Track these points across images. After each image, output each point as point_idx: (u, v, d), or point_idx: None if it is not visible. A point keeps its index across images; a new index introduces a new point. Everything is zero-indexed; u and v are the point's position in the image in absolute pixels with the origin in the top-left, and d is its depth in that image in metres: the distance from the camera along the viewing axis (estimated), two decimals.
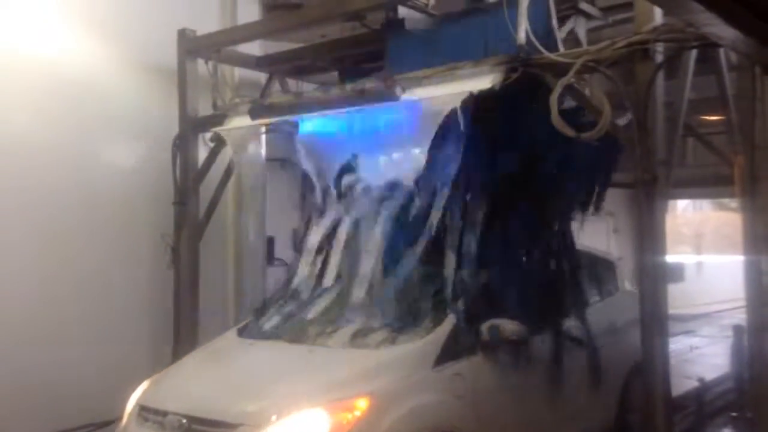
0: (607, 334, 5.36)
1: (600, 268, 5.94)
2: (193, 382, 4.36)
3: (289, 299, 5.04)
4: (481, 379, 4.23)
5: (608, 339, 5.35)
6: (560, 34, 4.71)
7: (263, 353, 4.53)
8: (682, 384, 6.18)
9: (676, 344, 8.87)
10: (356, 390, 3.74)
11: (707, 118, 6.69)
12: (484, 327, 4.23)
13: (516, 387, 4.49)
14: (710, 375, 6.92)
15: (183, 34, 6.28)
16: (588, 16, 5.30)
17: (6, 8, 5.51)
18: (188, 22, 6.34)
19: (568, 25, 5.00)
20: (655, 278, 4.24)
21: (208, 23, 6.63)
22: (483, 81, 4.47)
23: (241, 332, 4.88)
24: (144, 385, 4.39)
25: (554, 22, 4.66)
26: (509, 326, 4.26)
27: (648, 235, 4.24)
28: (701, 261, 16.37)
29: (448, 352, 4.11)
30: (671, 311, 4.33)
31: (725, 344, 8.00)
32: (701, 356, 9.45)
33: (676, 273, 13.05)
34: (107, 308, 5.99)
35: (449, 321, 4.23)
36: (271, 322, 4.82)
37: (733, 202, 12.07)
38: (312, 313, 4.71)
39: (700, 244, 17.27)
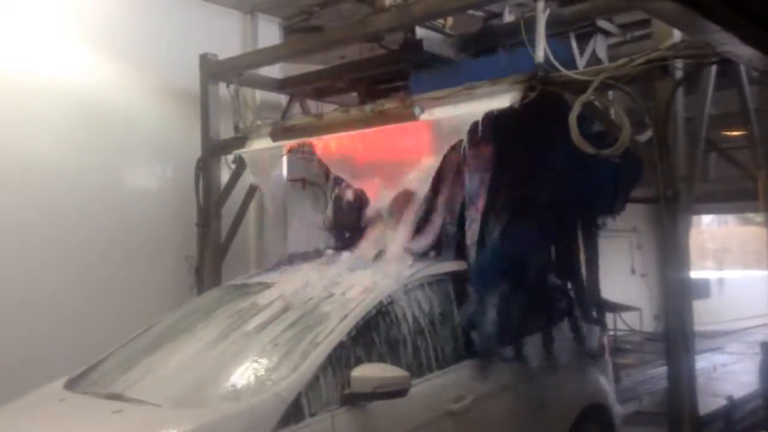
0: (547, 372, 4.47)
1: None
2: None
3: (142, 340, 4.25)
4: None
5: (549, 378, 4.47)
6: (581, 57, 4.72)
7: (65, 414, 3.54)
8: (709, 402, 6.08)
9: (703, 362, 8.75)
10: None
11: (729, 133, 6.65)
12: (354, 374, 3.33)
13: None
14: (738, 392, 6.80)
15: (205, 59, 6.39)
16: (606, 33, 5.31)
17: (29, 33, 5.64)
18: (210, 47, 6.45)
19: (590, 47, 5.03)
20: (679, 294, 4.20)
21: (229, 47, 6.75)
22: (501, 100, 4.48)
23: (70, 382, 3.91)
24: None
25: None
26: (384, 373, 3.39)
27: (671, 251, 4.21)
28: (727, 276, 16.15)
29: (300, 410, 3.19)
30: (697, 328, 4.28)
31: (753, 361, 7.85)
32: (729, 373, 9.29)
33: (701, 289, 12.90)
34: (131, 330, 6.02)
35: (307, 367, 3.31)
36: (104, 369, 3.96)
37: (759, 217, 11.92)
38: (151, 360, 3.80)
39: (725, 260, 17.07)
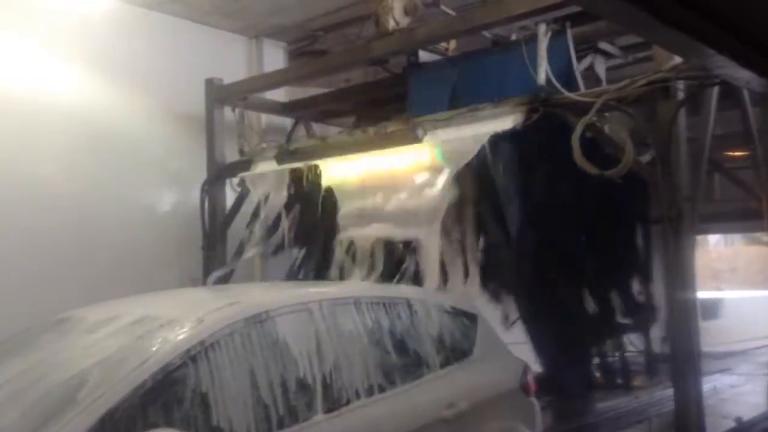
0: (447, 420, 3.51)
1: (450, 322, 3.96)
2: None
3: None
4: None
5: (448, 427, 3.50)
6: (579, 73, 4.75)
7: None
8: (718, 424, 6.02)
9: (711, 383, 8.66)
10: None
11: (733, 153, 6.65)
12: None
13: None
14: (747, 414, 6.73)
15: (211, 83, 6.46)
16: (608, 55, 5.34)
17: (36, 59, 5.71)
18: (216, 71, 6.53)
19: (585, 62, 5.05)
20: (686, 315, 4.18)
21: (235, 71, 6.82)
22: (504, 122, 4.51)
23: None
24: None
25: (574, 61, 4.71)
26: None
27: (676, 271, 4.20)
28: (736, 296, 16.03)
29: None
30: (705, 349, 4.25)
31: (762, 382, 7.78)
32: (738, 395, 9.19)
33: (709, 309, 12.79)
34: None
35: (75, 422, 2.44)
36: None
37: (765, 237, 11.87)
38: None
39: (734, 279, 16.94)
